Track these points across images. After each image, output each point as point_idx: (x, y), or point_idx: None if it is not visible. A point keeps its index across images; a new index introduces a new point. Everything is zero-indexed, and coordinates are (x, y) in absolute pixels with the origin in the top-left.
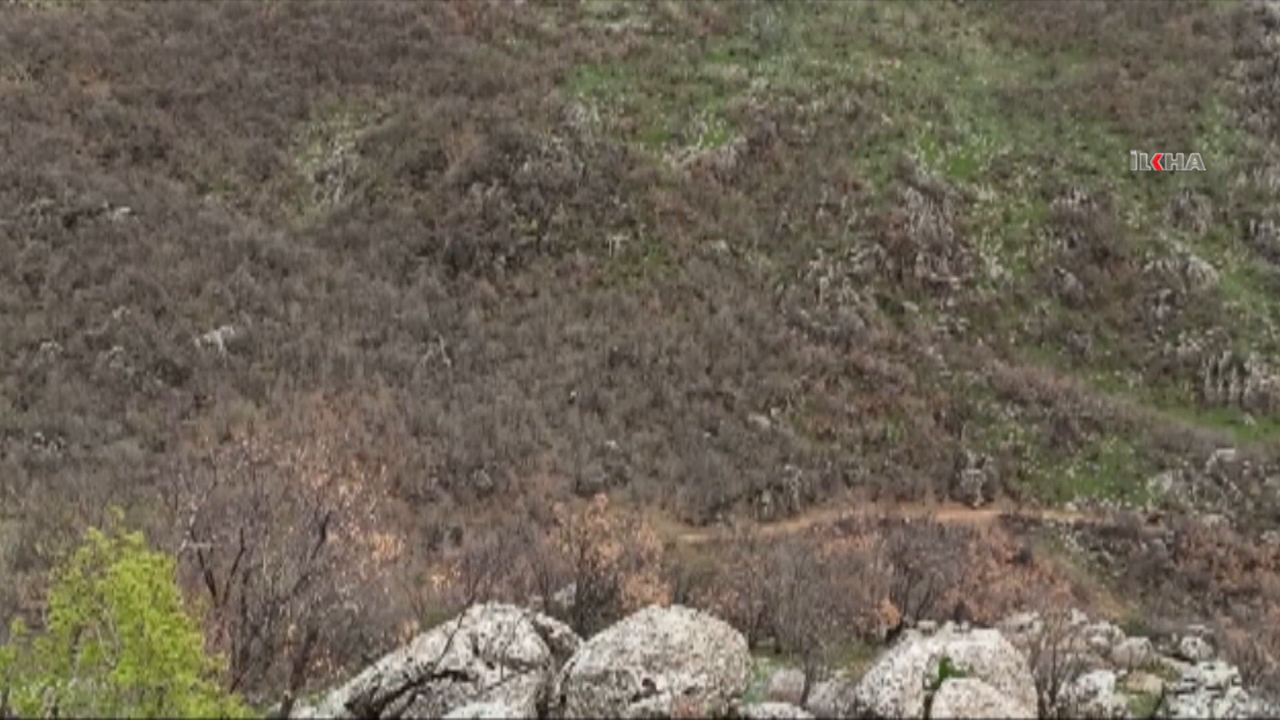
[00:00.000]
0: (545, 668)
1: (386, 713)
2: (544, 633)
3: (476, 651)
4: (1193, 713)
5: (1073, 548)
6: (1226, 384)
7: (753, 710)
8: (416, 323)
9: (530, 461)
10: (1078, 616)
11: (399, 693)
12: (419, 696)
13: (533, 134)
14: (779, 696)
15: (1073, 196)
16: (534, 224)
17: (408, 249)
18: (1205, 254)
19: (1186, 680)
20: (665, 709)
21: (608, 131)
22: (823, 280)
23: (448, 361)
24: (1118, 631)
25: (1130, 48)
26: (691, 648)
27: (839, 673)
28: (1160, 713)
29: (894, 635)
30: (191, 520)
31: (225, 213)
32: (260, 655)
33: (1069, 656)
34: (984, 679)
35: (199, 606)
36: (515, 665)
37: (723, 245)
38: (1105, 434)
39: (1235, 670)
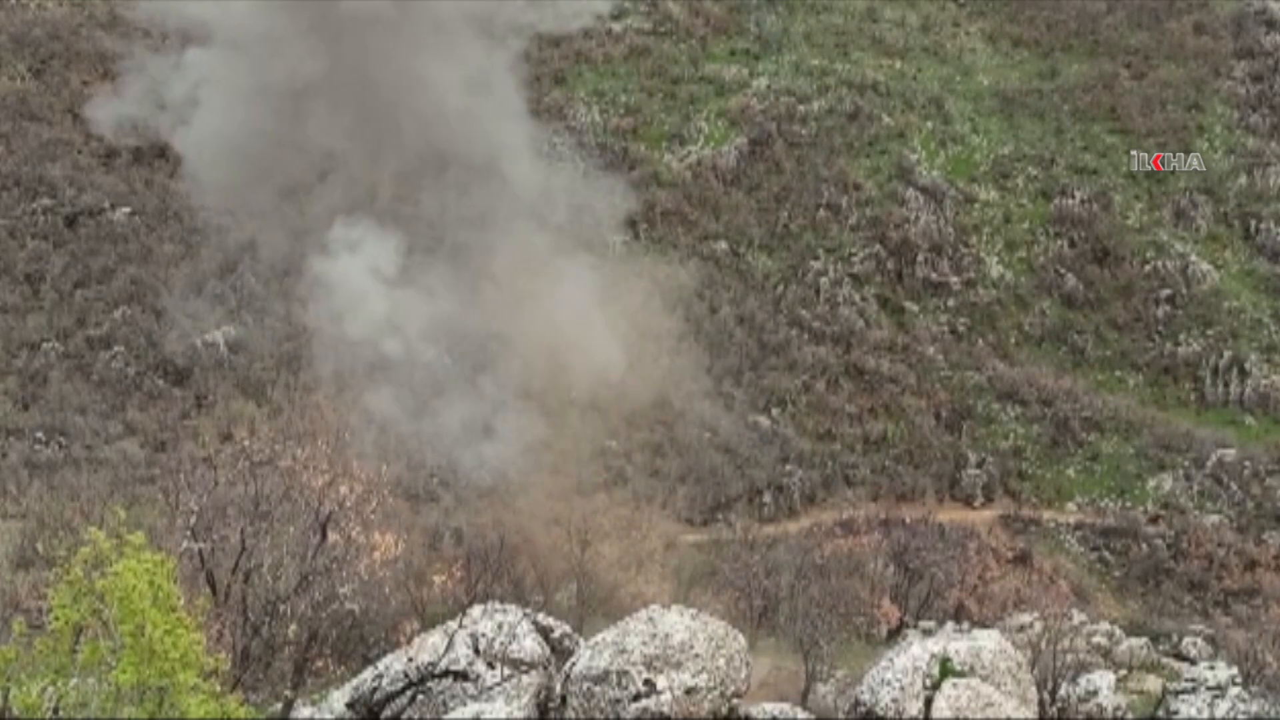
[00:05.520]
0: (546, 668)
1: (387, 712)
2: (544, 633)
3: (477, 651)
4: (1193, 713)
5: (1073, 548)
6: (1227, 384)
7: (753, 710)
8: None
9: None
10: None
11: (400, 692)
12: (420, 696)
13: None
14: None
15: (1073, 197)
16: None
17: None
18: (1205, 254)
19: (1187, 680)
20: (666, 709)
21: (609, 131)
22: (823, 280)
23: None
24: (1118, 631)
25: (1130, 48)
26: (692, 648)
27: (839, 673)
28: (1160, 713)
29: (894, 635)
30: (192, 520)
31: (226, 212)
32: (261, 655)
33: (1069, 656)
34: (984, 679)
35: (200, 606)
36: (516, 665)
37: (723, 245)
38: (1105, 434)
39: (1235, 670)
